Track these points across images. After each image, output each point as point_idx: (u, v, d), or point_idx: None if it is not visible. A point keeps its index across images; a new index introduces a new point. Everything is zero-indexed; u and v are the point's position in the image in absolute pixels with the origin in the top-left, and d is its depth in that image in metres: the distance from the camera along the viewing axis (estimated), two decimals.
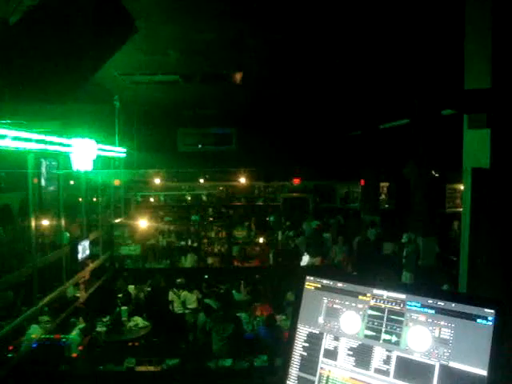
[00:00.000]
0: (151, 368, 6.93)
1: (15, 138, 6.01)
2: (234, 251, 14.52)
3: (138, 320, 8.97)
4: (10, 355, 6.79)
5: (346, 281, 1.82)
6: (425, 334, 1.60)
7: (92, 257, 10.51)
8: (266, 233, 15.41)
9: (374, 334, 1.70)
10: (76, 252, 9.10)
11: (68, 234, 10.67)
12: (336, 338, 1.77)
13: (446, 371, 1.52)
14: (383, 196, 18.73)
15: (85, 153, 8.51)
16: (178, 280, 10.74)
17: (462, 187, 15.36)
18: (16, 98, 5.83)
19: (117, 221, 13.24)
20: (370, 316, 1.73)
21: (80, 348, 7.21)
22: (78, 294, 9.75)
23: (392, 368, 1.63)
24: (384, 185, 18.26)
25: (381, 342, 1.68)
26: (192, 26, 6.94)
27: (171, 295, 10.22)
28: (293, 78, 10.57)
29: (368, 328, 1.72)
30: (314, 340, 1.82)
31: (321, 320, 1.82)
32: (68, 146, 8.05)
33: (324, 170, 16.82)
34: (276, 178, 17.75)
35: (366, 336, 1.72)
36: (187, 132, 17.52)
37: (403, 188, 14.94)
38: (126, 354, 7.26)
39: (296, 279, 1.93)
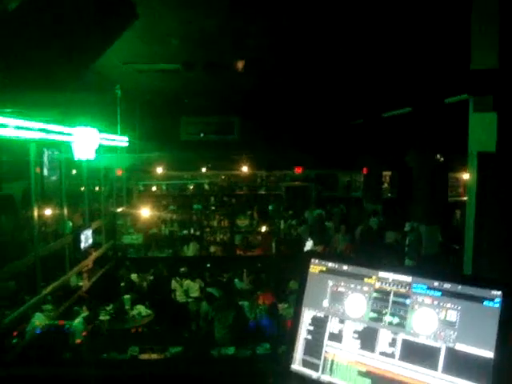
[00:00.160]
0: (154, 356, 6.96)
1: (17, 127, 6.00)
2: (236, 240, 14.54)
3: (141, 309, 8.99)
4: (14, 341, 6.83)
5: (351, 263, 1.81)
6: (431, 316, 1.59)
7: (95, 246, 10.54)
8: (269, 221, 15.41)
9: (379, 316, 1.69)
10: (79, 241, 9.11)
11: (71, 223, 10.69)
12: (341, 321, 1.76)
13: (452, 353, 1.51)
14: (386, 185, 18.70)
15: (87, 142, 8.49)
16: (182, 269, 10.77)
17: (464, 176, 15.34)
18: (17, 87, 5.80)
19: (119, 210, 13.25)
20: (375, 299, 1.72)
21: (84, 334, 7.23)
22: (81, 283, 9.78)
23: (397, 351, 1.62)
24: (386, 173, 18.23)
25: (386, 324, 1.67)
26: (193, 13, 6.88)
27: (174, 284, 10.25)
28: (295, 67, 10.50)
29: (373, 311, 1.71)
30: (318, 323, 1.81)
31: (326, 303, 1.81)
32: (70, 134, 8.04)
33: (326, 159, 16.76)
34: (278, 167, 17.70)
35: (372, 319, 1.70)
36: (189, 121, 17.48)
37: (405, 176, 14.90)
38: (130, 343, 7.29)
39: (301, 262, 1.92)
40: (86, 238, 9.47)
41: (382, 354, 1.65)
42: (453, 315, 1.54)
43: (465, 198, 15.72)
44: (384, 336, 1.66)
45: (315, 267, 1.88)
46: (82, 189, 10.51)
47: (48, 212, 11.44)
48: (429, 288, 1.62)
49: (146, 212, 14.22)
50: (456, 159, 12.81)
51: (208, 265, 11.89)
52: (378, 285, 1.73)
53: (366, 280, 1.76)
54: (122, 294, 9.34)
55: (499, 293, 1.48)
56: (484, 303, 1.49)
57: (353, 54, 9.17)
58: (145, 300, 9.46)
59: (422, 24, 6.90)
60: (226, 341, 7.55)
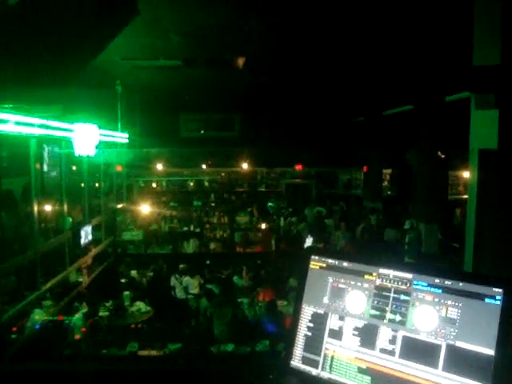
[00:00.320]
0: (154, 352, 6.97)
1: (18, 123, 5.99)
2: (236, 237, 14.54)
3: (141, 305, 9.00)
4: (13, 336, 6.84)
5: (351, 260, 1.80)
6: (431, 313, 1.58)
7: (94, 242, 10.53)
8: (269, 219, 15.40)
9: (379, 313, 1.69)
10: (78, 237, 9.11)
11: (70, 219, 10.68)
12: (341, 318, 1.76)
13: (453, 351, 1.51)
14: (385, 183, 18.70)
15: (87, 138, 8.48)
16: (181, 265, 10.77)
17: (464, 174, 15.33)
18: (17, 83, 5.79)
19: (119, 206, 13.24)
20: (375, 295, 1.71)
21: (83, 330, 7.24)
22: (81, 279, 9.78)
23: (398, 348, 1.62)
24: (386, 171, 18.23)
25: (386, 321, 1.66)
26: (194, 10, 6.86)
27: (173, 281, 10.25)
28: (296, 64, 10.48)
29: (373, 307, 1.70)
30: (318, 320, 1.80)
31: (326, 300, 1.81)
32: (70, 130, 8.03)
33: (327, 157, 16.77)
34: (278, 164, 17.70)
35: (372, 316, 1.70)
36: (190, 117, 17.46)
37: (405, 174, 14.90)
38: (129, 339, 7.30)
39: (301, 259, 1.91)
40: (86, 234, 9.47)
41: (382, 351, 1.64)
42: (453, 312, 1.54)
43: (465, 197, 15.78)
44: (384, 333, 1.66)
45: (315, 264, 1.87)
46: (82, 185, 10.50)
47: (48, 208, 11.44)
48: (429, 285, 1.61)
49: (146, 208, 14.23)
50: (456, 157, 12.82)
51: (208, 261, 11.89)
52: (378, 281, 1.72)
53: (366, 277, 1.75)
54: (122, 290, 9.34)
55: (500, 290, 1.47)
56: (485, 300, 1.49)
57: (354, 51, 9.15)
58: (144, 296, 9.46)
59: (423, 21, 6.88)
60: (225, 337, 7.55)
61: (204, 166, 17.58)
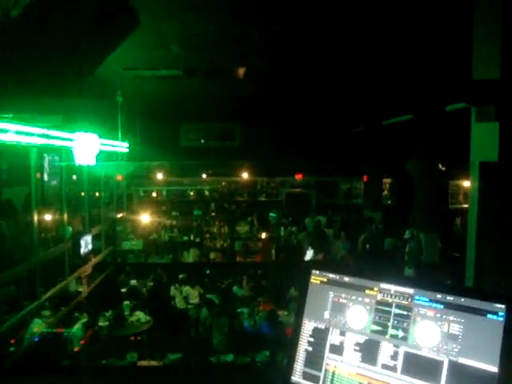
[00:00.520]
0: (153, 363, 6.93)
1: (18, 133, 6.00)
2: (236, 246, 14.52)
3: (140, 315, 8.97)
4: (12, 349, 6.80)
5: (352, 274, 1.79)
6: (433, 329, 1.57)
7: (94, 251, 10.51)
8: (269, 228, 15.38)
9: (380, 328, 1.67)
10: (78, 246, 9.10)
11: (70, 229, 10.66)
12: (342, 333, 1.74)
13: (455, 367, 1.49)
14: (385, 192, 18.69)
15: (88, 147, 8.49)
16: (181, 275, 10.75)
17: (465, 184, 15.32)
18: (19, 92, 5.80)
19: (119, 215, 13.23)
20: (376, 311, 1.70)
21: (82, 342, 7.21)
22: (81, 289, 9.75)
23: (399, 364, 1.60)
24: (386, 181, 18.22)
25: (388, 337, 1.65)
26: (194, 20, 6.90)
27: (173, 291, 10.23)
28: (296, 74, 10.52)
29: (375, 323, 1.69)
30: (319, 335, 1.78)
31: (326, 315, 1.79)
32: (71, 140, 8.03)
33: (327, 166, 16.77)
34: (279, 174, 17.71)
35: (373, 331, 1.68)
36: (190, 127, 17.48)
37: (405, 184, 14.90)
38: (129, 349, 7.27)
39: (301, 273, 1.90)
40: (86, 244, 9.45)
41: (384, 366, 1.62)
42: (456, 328, 1.53)
43: (465, 206, 15.75)
44: (386, 349, 1.64)
45: (316, 278, 1.86)
46: (82, 194, 10.50)
47: (48, 217, 11.42)
48: (431, 300, 1.60)
49: (146, 218, 14.22)
50: (456, 167, 12.82)
51: (208, 271, 11.87)
52: (379, 296, 1.71)
53: (367, 291, 1.74)
54: (122, 300, 9.32)
55: (503, 306, 1.46)
56: (487, 316, 1.48)
57: (354, 61, 9.19)
58: (144, 306, 9.43)
59: (423, 33, 6.91)
60: (223, 347, 7.53)
61: (204, 176, 17.59)
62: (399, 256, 11.24)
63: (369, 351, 1.67)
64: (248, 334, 8.05)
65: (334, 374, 1.72)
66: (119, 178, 13.96)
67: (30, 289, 7.87)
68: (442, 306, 1.57)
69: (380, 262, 11.17)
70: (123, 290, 10.26)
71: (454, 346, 1.51)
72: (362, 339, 1.70)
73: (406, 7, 6.20)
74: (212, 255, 14.12)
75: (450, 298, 1.56)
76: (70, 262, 9.14)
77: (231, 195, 18.33)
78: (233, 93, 12.98)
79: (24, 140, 6.20)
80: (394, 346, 1.63)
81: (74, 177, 12.46)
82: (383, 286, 1.71)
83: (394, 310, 1.66)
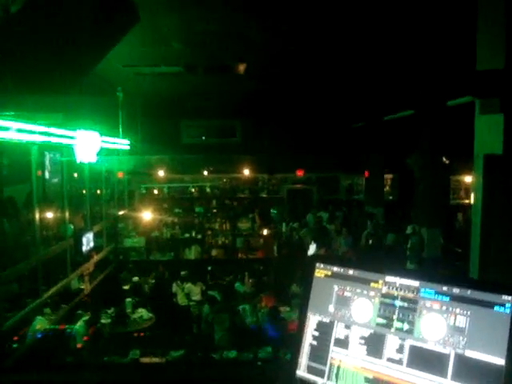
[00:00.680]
0: (156, 360, 6.93)
1: (19, 130, 5.99)
2: (238, 243, 14.51)
3: (143, 312, 8.97)
4: (15, 345, 6.80)
5: (357, 268, 1.78)
6: (439, 321, 1.55)
7: (96, 249, 10.51)
8: (270, 225, 15.38)
9: (386, 322, 1.66)
10: (80, 244, 9.08)
11: (72, 226, 10.66)
12: (347, 327, 1.73)
13: (462, 360, 1.48)
14: (387, 187, 18.68)
15: (89, 145, 8.48)
16: (182, 272, 10.74)
17: (466, 179, 15.32)
18: (19, 90, 5.79)
19: (121, 213, 13.23)
20: (382, 304, 1.68)
21: (85, 339, 7.21)
22: (83, 286, 9.75)
23: (405, 357, 1.58)
24: (387, 176, 18.21)
25: (393, 330, 1.63)
26: (195, 17, 6.88)
27: (175, 288, 10.23)
28: (297, 70, 10.49)
29: (380, 316, 1.67)
30: (324, 329, 1.77)
31: (331, 308, 1.78)
32: (72, 138, 8.03)
33: (328, 162, 16.77)
34: (280, 170, 17.70)
35: (378, 324, 1.67)
36: (191, 124, 17.49)
37: (406, 179, 14.89)
38: (131, 346, 7.27)
39: (305, 266, 1.89)
40: (88, 241, 9.44)
41: (390, 360, 1.61)
42: (462, 321, 1.51)
43: (466, 201, 15.74)
44: (391, 342, 1.63)
45: (320, 271, 1.84)
46: (84, 192, 10.49)
47: (50, 215, 11.42)
48: (437, 293, 1.58)
49: (147, 215, 14.21)
50: (457, 162, 12.81)
51: (209, 268, 11.87)
52: (384, 289, 1.69)
53: (372, 285, 1.72)
54: (124, 297, 9.32)
55: (510, 298, 1.44)
56: (494, 308, 1.46)
57: (355, 56, 9.15)
58: (146, 303, 9.43)
59: (425, 25, 6.86)
60: (225, 343, 7.54)
61: (205, 173, 17.59)
62: (401, 251, 11.24)
63: (374, 344, 1.66)
64: (250, 331, 8.05)
65: (339, 367, 1.70)
66: (120, 175, 13.95)
67: (32, 287, 7.88)
68: (447, 299, 1.55)
69: (382, 257, 11.15)
70: (125, 288, 10.25)
71: (461, 338, 1.50)
72: (367, 333, 1.69)
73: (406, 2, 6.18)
74: (214, 252, 14.10)
75: (456, 291, 1.55)
76: (72, 260, 9.13)
77: (233, 192, 18.33)
78: (234, 89, 12.95)
79: (25, 138, 6.19)
80: (400, 339, 1.61)
81: (76, 174, 12.46)
82: (388, 278, 1.70)
83: (400, 303, 1.65)
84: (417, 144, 11.50)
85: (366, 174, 16.79)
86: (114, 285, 10.33)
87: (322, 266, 1.85)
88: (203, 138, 17.69)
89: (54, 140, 7.23)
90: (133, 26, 6.28)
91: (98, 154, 8.79)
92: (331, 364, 1.72)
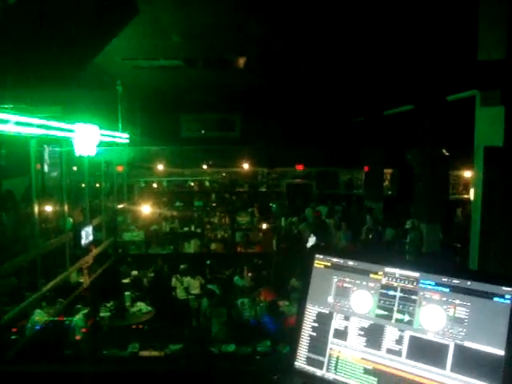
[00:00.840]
0: (155, 353, 6.94)
1: (18, 123, 5.97)
2: (237, 237, 14.51)
3: (142, 305, 8.98)
4: (13, 337, 6.81)
5: (356, 259, 1.77)
6: (439, 312, 1.55)
7: (95, 242, 10.50)
8: (270, 219, 15.37)
9: (385, 313, 1.65)
10: (79, 237, 9.07)
11: (71, 220, 10.65)
12: (346, 318, 1.73)
13: (461, 351, 1.48)
14: (386, 182, 18.68)
15: (88, 138, 8.46)
16: (182, 266, 10.75)
17: (465, 174, 15.31)
18: (18, 83, 5.76)
19: (120, 206, 13.22)
20: (381, 295, 1.68)
21: (84, 330, 7.22)
22: (82, 280, 9.75)
23: (404, 348, 1.58)
24: (387, 171, 18.21)
25: (393, 321, 1.63)
26: (194, 9, 6.84)
27: (174, 281, 10.23)
28: (296, 64, 10.46)
29: (379, 307, 1.67)
30: (323, 320, 1.77)
31: (330, 299, 1.77)
32: (71, 131, 8.01)
33: (328, 157, 16.76)
34: (279, 165, 17.69)
35: (378, 315, 1.67)
36: (190, 117, 17.46)
37: (406, 174, 14.88)
38: (130, 339, 7.28)
39: (305, 257, 1.88)
40: (87, 235, 9.43)
41: (389, 351, 1.61)
42: (462, 312, 1.51)
43: (465, 196, 15.73)
44: (391, 333, 1.62)
45: (320, 262, 1.84)
46: (83, 185, 10.48)
47: (48, 208, 11.40)
48: (437, 284, 1.58)
49: (146, 209, 14.21)
50: (457, 157, 12.80)
51: (209, 262, 11.87)
52: (384, 280, 1.69)
53: (372, 276, 1.72)
54: (123, 290, 9.33)
55: (510, 289, 1.44)
56: (494, 299, 1.46)
57: (354, 50, 9.12)
58: (145, 297, 9.44)
59: (425, 15, 6.81)
60: (222, 336, 7.55)
61: (205, 167, 17.58)
62: (400, 246, 11.26)
63: (373, 336, 1.66)
64: (249, 325, 8.06)
65: (338, 358, 1.70)
66: (120, 168, 13.93)
67: (31, 280, 7.87)
68: (447, 290, 1.55)
69: (382, 252, 11.16)
70: (125, 281, 10.26)
71: (460, 329, 1.50)
72: (366, 324, 1.68)
73: None
74: (213, 246, 14.10)
75: (456, 282, 1.54)
76: (71, 253, 9.12)
77: (232, 186, 18.32)
78: (233, 83, 12.91)
79: (24, 131, 6.17)
80: (399, 330, 1.61)
81: (75, 168, 12.45)
82: (388, 269, 1.69)
83: (399, 294, 1.64)
84: (416, 139, 11.48)
85: (366, 168, 16.79)
86: (113, 278, 10.33)
87: (321, 256, 1.84)
88: (202, 131, 17.67)
89: (52, 133, 7.21)
90: (132, 18, 6.24)
91: (97, 146, 8.77)
92: (330, 355, 1.72)
